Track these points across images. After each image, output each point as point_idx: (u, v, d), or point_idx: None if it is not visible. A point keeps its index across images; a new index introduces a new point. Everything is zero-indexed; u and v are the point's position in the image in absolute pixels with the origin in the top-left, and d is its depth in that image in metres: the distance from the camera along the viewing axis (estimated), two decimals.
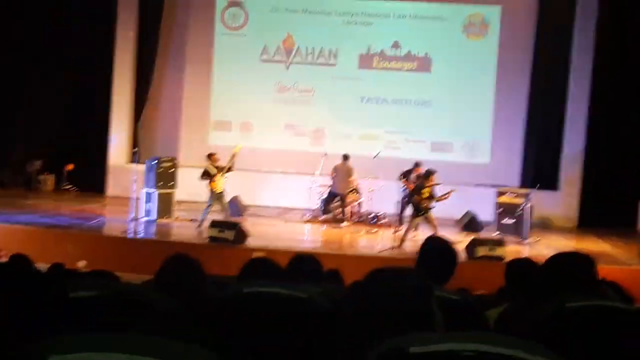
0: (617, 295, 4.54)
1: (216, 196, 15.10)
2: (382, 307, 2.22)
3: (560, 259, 3.61)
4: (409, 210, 15.42)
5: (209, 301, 3.27)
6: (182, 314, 2.51)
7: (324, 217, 16.84)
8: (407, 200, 15.69)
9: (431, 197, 14.15)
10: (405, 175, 16.29)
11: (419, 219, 14.20)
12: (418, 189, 14.22)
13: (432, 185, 14.23)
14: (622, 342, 2.89)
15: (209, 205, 15.12)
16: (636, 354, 2.89)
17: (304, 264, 4.40)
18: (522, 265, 4.43)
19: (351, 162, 16.84)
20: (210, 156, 15.30)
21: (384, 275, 2.36)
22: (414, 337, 1.89)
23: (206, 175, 15.06)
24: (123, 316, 2.69)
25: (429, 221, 14.15)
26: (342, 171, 16.63)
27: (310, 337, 2.73)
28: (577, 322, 2.89)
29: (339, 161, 16.86)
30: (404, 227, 14.68)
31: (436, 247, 4.16)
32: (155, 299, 2.80)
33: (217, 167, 15.11)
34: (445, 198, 14.26)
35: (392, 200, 15.92)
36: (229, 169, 15.23)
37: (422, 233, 13.72)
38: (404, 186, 16.09)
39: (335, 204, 16.96)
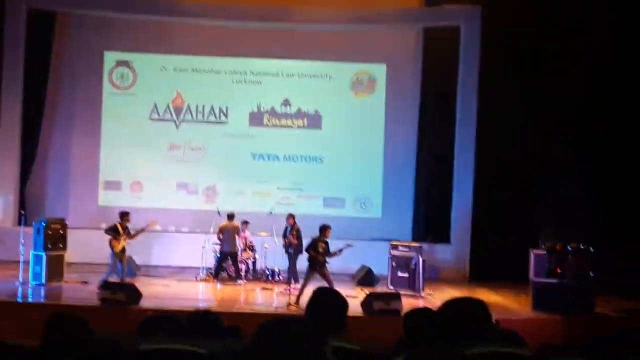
0: (513, 341, 4.64)
1: (117, 255, 14.92)
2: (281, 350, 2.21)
3: (453, 305, 3.66)
4: (298, 265, 15.59)
5: (101, 358, 3.19)
6: None
7: (217, 277, 16.65)
8: (293, 255, 15.83)
9: (326, 252, 14.19)
10: (284, 234, 16.41)
11: (314, 274, 14.19)
12: (313, 244, 14.24)
13: (325, 240, 14.29)
14: None
15: (112, 265, 14.93)
16: None
17: (203, 320, 4.33)
18: (420, 315, 4.47)
19: (237, 221, 16.87)
20: (124, 215, 15.28)
21: (274, 327, 2.35)
22: None
23: (112, 231, 15.00)
24: None
25: (324, 276, 14.15)
26: (229, 230, 16.62)
27: None
28: None
29: (224, 221, 16.84)
30: (298, 283, 14.69)
31: (324, 298, 4.14)
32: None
33: (124, 228, 15.06)
34: (339, 254, 14.30)
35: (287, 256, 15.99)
36: (133, 237, 15.19)
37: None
38: (284, 245, 16.27)
39: (227, 263, 16.92)
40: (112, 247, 14.95)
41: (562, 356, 3.88)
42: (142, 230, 15.40)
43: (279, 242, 16.68)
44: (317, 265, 14.12)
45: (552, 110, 18.50)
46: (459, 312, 3.56)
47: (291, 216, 16.38)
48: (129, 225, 15.29)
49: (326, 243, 14.28)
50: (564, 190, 17.86)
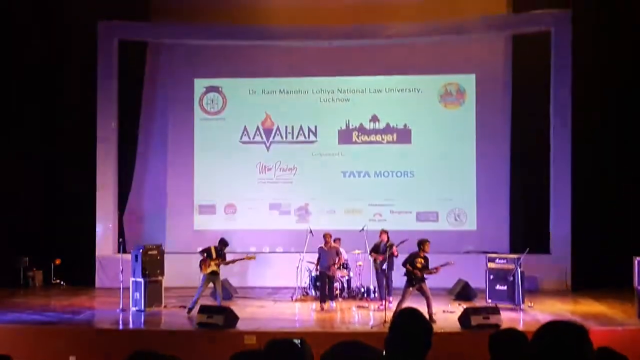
0: None
1: (208, 278, 15.15)
2: None
3: (550, 330, 3.44)
4: (384, 282, 15.70)
5: None
6: None
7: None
8: (382, 272, 15.80)
9: (424, 267, 13.96)
10: (375, 249, 16.24)
11: (412, 290, 13.99)
12: (411, 259, 14.02)
13: (424, 255, 14.05)
14: None
15: (201, 288, 15.12)
16: None
17: (280, 351, 4.23)
18: (507, 337, 4.29)
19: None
20: (223, 243, 15.54)
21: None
22: None
23: (206, 252, 15.25)
24: None
25: (422, 291, 13.94)
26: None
27: None
28: None
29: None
30: (394, 300, 14.50)
31: (407, 322, 3.95)
32: None
33: (218, 253, 15.28)
34: (437, 271, 14.04)
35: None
36: (228, 263, 15.49)
37: (417, 305, 13.60)
38: (374, 259, 16.17)
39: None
40: (200, 268, 15.23)
41: None
42: (239, 259, 15.84)
43: (368, 257, 16.58)
44: (414, 281, 13.90)
45: None
46: (555, 336, 3.31)
47: (384, 232, 16.18)
48: (226, 252, 15.55)
49: (425, 258, 14.04)
50: None
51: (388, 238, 15.98)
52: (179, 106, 20.47)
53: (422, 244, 14.15)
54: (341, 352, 2.24)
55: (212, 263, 15.15)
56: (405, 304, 13.78)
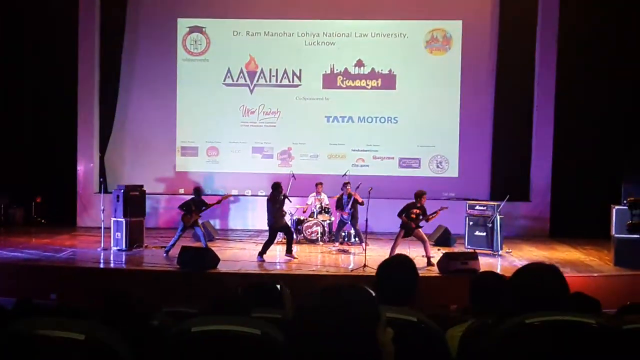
0: (582, 306, 4.50)
1: (186, 227, 15.16)
2: (324, 327, 2.11)
3: (526, 272, 3.48)
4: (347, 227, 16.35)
5: (154, 342, 3.17)
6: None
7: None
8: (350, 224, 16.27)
9: (418, 217, 14.10)
10: (338, 205, 16.55)
11: (403, 237, 14.20)
12: (406, 210, 14.16)
13: (419, 206, 14.20)
14: (583, 356, 2.84)
15: (178, 234, 15.09)
16: None
17: (259, 292, 4.28)
18: (487, 279, 4.34)
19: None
20: (198, 192, 15.53)
21: (326, 292, 2.23)
22: None
23: (185, 208, 15.16)
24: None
25: (418, 237, 14.15)
26: None
27: None
28: (537, 338, 2.84)
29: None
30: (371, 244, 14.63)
31: (393, 264, 3.98)
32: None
33: (198, 208, 15.22)
34: (432, 218, 14.32)
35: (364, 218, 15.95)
36: (207, 208, 15.43)
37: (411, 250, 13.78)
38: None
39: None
40: (183, 222, 15.16)
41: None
42: (218, 202, 15.75)
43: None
44: (409, 230, 14.10)
45: (636, 64, 17.94)
46: (530, 279, 3.35)
47: (347, 184, 16.37)
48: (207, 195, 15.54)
49: (421, 208, 14.18)
50: None
51: (349, 191, 16.16)
52: (161, 46, 20.22)
53: (419, 196, 14.29)
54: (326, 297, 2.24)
55: (193, 214, 15.18)
56: (397, 251, 13.93)
